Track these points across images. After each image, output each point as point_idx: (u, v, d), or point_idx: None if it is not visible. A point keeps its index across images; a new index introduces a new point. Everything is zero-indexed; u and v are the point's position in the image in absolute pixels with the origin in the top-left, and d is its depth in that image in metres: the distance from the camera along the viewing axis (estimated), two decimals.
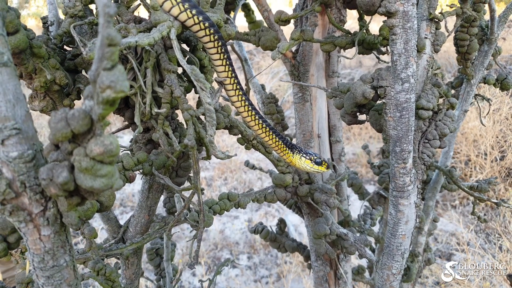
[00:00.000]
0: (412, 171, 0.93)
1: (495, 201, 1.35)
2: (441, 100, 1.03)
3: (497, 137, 4.99)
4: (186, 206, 0.78)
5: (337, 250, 1.14)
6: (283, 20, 1.00)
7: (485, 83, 1.51)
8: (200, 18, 0.70)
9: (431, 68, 0.97)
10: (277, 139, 0.86)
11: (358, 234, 1.15)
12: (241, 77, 1.35)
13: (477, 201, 1.36)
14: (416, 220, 0.99)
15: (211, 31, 0.71)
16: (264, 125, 0.84)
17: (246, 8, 1.29)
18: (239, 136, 1.02)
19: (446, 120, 0.95)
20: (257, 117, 0.82)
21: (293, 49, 1.34)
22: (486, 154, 4.95)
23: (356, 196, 1.80)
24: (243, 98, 0.80)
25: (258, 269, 4.29)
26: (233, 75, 0.77)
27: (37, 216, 0.54)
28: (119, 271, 1.03)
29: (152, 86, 0.75)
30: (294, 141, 1.48)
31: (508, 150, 4.86)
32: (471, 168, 5.06)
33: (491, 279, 3.63)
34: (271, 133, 0.85)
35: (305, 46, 1.25)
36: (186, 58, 0.84)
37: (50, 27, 0.87)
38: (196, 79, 0.67)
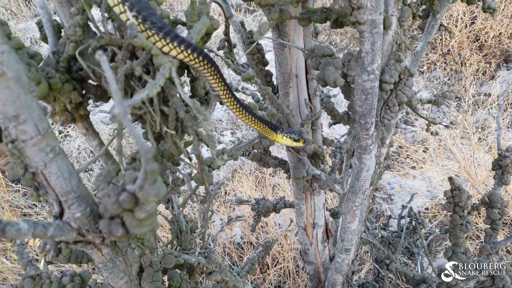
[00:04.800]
0: (374, 134, 1.14)
1: (445, 124, 1.59)
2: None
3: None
4: (196, 190, 0.99)
5: (312, 184, 1.41)
6: (263, 4, 1.06)
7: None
8: (195, 55, 0.80)
9: (396, 43, 1.09)
10: (264, 126, 1.05)
11: (329, 171, 1.41)
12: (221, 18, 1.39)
13: (431, 124, 1.60)
14: (376, 166, 1.23)
15: (205, 61, 0.83)
16: (253, 118, 1.01)
17: None
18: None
19: (405, 90, 1.12)
20: (247, 113, 0.99)
21: None
22: (457, 21, 5.04)
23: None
24: (235, 103, 0.95)
25: None
26: (225, 88, 0.91)
27: (99, 244, 0.76)
28: None
29: (159, 104, 0.88)
30: (273, 79, 1.62)
31: (478, 16, 4.94)
32: (441, 35, 5.20)
33: (444, 144, 4.14)
34: (259, 122, 1.03)
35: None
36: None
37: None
38: (198, 112, 0.82)
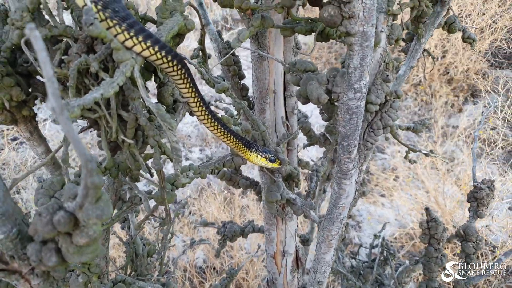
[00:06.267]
0: (356, 158, 1.05)
1: (425, 151, 1.53)
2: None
3: (442, 36, 5.15)
4: (154, 211, 0.87)
5: (286, 209, 1.31)
6: (244, 8, 0.96)
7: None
8: (163, 54, 0.69)
9: (384, 61, 1.02)
10: (237, 142, 0.94)
11: (304, 195, 1.31)
12: (196, 21, 1.29)
13: (410, 150, 1.54)
14: (355, 193, 1.14)
15: (174, 62, 0.71)
16: (226, 132, 0.90)
17: None
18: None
19: (391, 112, 1.04)
20: (219, 126, 0.88)
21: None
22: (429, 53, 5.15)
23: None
24: (206, 112, 0.84)
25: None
26: (196, 94, 0.80)
27: (27, 273, 0.61)
28: None
29: (116, 108, 0.76)
30: (250, 93, 1.52)
31: (449, 50, 5.09)
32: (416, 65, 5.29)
33: (414, 173, 4.16)
34: (232, 137, 0.92)
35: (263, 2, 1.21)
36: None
37: None
38: (162, 119, 0.70)
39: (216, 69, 5.38)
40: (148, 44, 0.67)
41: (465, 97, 5.22)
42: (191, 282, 3.17)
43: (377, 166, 4.44)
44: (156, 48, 0.68)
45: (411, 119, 5.13)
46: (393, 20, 1.01)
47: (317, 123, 4.88)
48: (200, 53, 1.60)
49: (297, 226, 1.63)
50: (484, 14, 5.31)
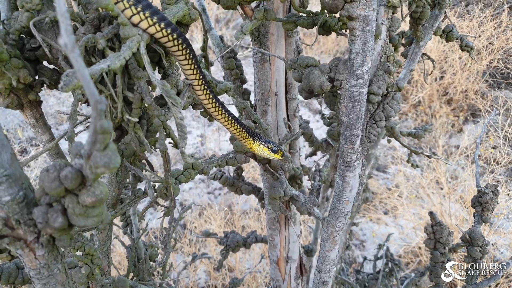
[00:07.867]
0: (359, 149, 1.05)
1: (427, 153, 1.53)
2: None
3: (440, 57, 5.23)
4: (158, 196, 0.86)
5: (289, 207, 1.30)
6: (246, 0, 0.99)
7: (433, 34, 1.59)
8: (169, 31, 0.70)
9: (385, 53, 1.03)
10: (241, 129, 0.94)
11: (308, 194, 1.30)
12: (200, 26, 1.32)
13: (413, 153, 1.54)
14: (359, 187, 1.13)
15: (180, 41, 0.73)
16: (229, 118, 0.90)
17: None
18: (202, 110, 1.07)
19: (393, 103, 1.05)
20: (223, 111, 0.88)
21: (253, 5, 1.33)
22: (427, 75, 5.23)
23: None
24: (211, 96, 0.84)
25: (211, 182, 4.54)
26: (201, 76, 0.81)
27: (32, 242, 0.60)
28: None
29: (122, 89, 0.77)
30: (252, 98, 1.53)
31: (447, 70, 5.15)
32: (413, 86, 5.36)
33: (416, 191, 4.13)
34: (235, 124, 0.92)
35: (265, 4, 1.24)
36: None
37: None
38: (168, 95, 0.71)
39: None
40: (154, 21, 0.68)
41: (465, 116, 5.25)
42: None
43: (379, 186, 4.42)
44: (162, 25, 0.69)
45: (412, 139, 5.14)
46: (393, 13, 1.03)
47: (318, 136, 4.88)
48: (203, 60, 1.63)
49: (300, 231, 1.61)
50: (480, 36, 5.41)
